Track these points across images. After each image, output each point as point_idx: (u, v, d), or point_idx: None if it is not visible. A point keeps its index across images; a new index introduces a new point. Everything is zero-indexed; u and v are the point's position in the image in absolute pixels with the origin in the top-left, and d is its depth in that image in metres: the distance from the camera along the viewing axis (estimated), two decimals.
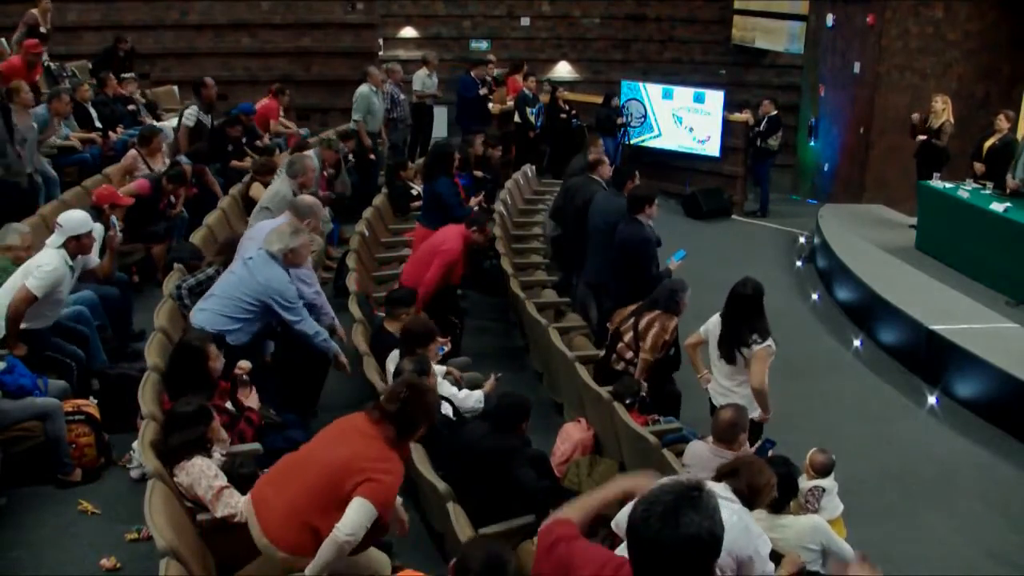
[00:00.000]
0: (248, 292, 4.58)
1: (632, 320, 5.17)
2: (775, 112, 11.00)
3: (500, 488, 3.87)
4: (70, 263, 4.90)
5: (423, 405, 3.23)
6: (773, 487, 3.19)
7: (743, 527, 2.88)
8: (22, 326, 4.72)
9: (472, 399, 4.60)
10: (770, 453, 3.88)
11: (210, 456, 3.63)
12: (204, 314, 4.56)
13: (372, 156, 9.38)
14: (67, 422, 4.45)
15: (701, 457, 3.91)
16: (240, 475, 3.60)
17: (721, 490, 2.91)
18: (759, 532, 2.96)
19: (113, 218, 5.85)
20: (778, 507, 3.62)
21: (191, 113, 8.56)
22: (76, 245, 4.91)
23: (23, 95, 6.78)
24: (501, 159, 9.71)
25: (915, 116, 9.15)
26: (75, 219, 4.98)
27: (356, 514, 3.00)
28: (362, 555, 3.21)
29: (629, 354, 5.15)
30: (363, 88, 9.45)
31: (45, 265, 4.73)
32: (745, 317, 4.43)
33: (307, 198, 5.61)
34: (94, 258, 5.35)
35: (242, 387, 4.29)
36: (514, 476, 3.89)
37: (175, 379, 4.10)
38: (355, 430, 3.19)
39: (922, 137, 8.94)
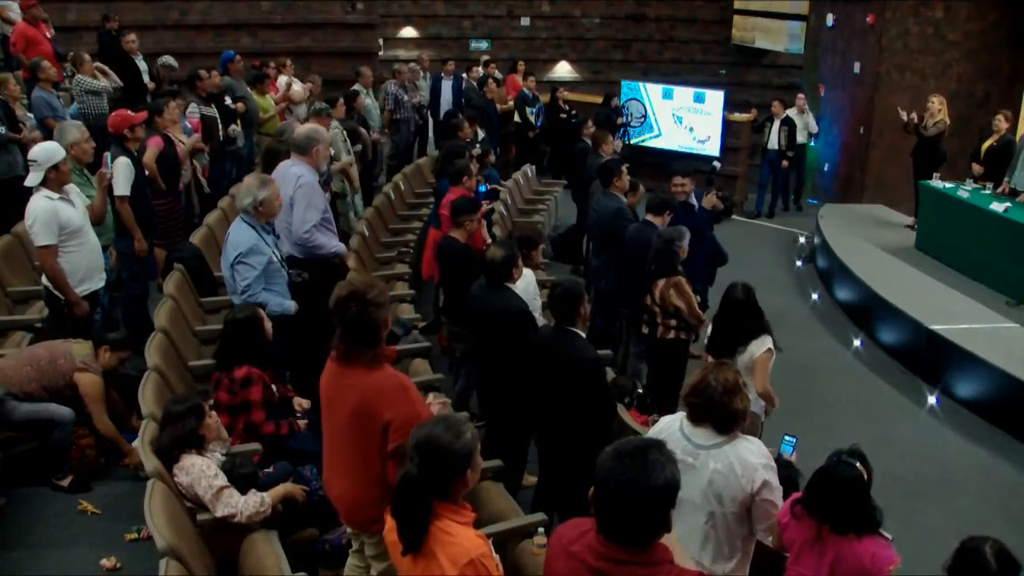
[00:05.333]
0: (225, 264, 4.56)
1: (647, 297, 5.33)
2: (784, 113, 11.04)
3: (593, 398, 3.95)
4: (56, 197, 4.70)
5: (372, 305, 2.99)
6: None
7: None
8: (81, 289, 4.76)
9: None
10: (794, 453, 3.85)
11: (204, 454, 3.63)
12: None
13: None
14: None
15: None
16: (240, 475, 3.59)
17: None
18: None
19: (107, 155, 5.42)
20: None
21: (192, 110, 8.55)
22: (57, 175, 4.71)
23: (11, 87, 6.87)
24: (500, 159, 9.69)
25: (903, 114, 9.17)
26: (47, 150, 4.75)
27: None
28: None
29: (672, 321, 5.30)
30: (354, 88, 9.49)
31: (33, 217, 4.65)
32: (742, 319, 4.46)
33: (301, 128, 5.35)
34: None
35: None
36: (604, 387, 4.07)
37: (232, 352, 4.08)
38: (338, 377, 3.06)
39: (923, 135, 8.96)
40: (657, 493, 2.02)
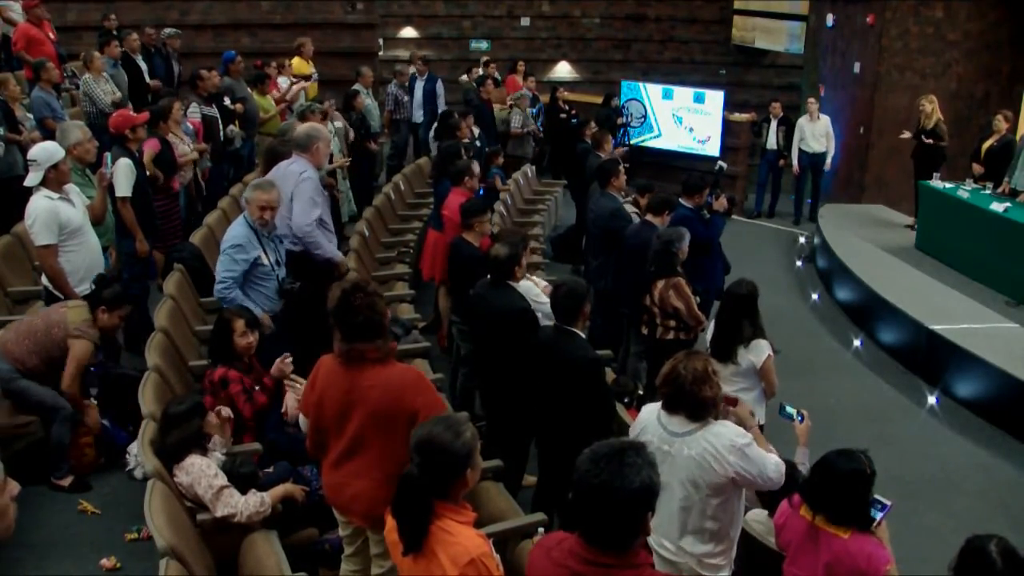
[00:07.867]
0: None
1: (647, 297, 5.34)
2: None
3: (593, 398, 3.94)
4: (56, 196, 4.70)
5: (376, 296, 3.03)
6: None
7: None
8: (81, 289, 4.74)
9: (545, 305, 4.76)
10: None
11: (207, 454, 3.63)
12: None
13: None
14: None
15: None
16: (240, 475, 3.59)
17: None
18: None
19: (108, 155, 5.36)
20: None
21: (193, 110, 8.55)
22: (56, 174, 4.71)
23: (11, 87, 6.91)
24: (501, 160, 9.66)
25: (906, 134, 9.21)
26: (46, 150, 4.74)
27: None
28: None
29: (672, 322, 5.32)
30: (354, 88, 9.46)
31: (32, 217, 4.65)
32: (743, 316, 4.47)
33: (301, 127, 5.43)
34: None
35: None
36: (603, 388, 4.05)
37: (211, 348, 4.28)
38: (347, 379, 3.02)
39: (927, 141, 8.95)
40: (632, 497, 1.99)
